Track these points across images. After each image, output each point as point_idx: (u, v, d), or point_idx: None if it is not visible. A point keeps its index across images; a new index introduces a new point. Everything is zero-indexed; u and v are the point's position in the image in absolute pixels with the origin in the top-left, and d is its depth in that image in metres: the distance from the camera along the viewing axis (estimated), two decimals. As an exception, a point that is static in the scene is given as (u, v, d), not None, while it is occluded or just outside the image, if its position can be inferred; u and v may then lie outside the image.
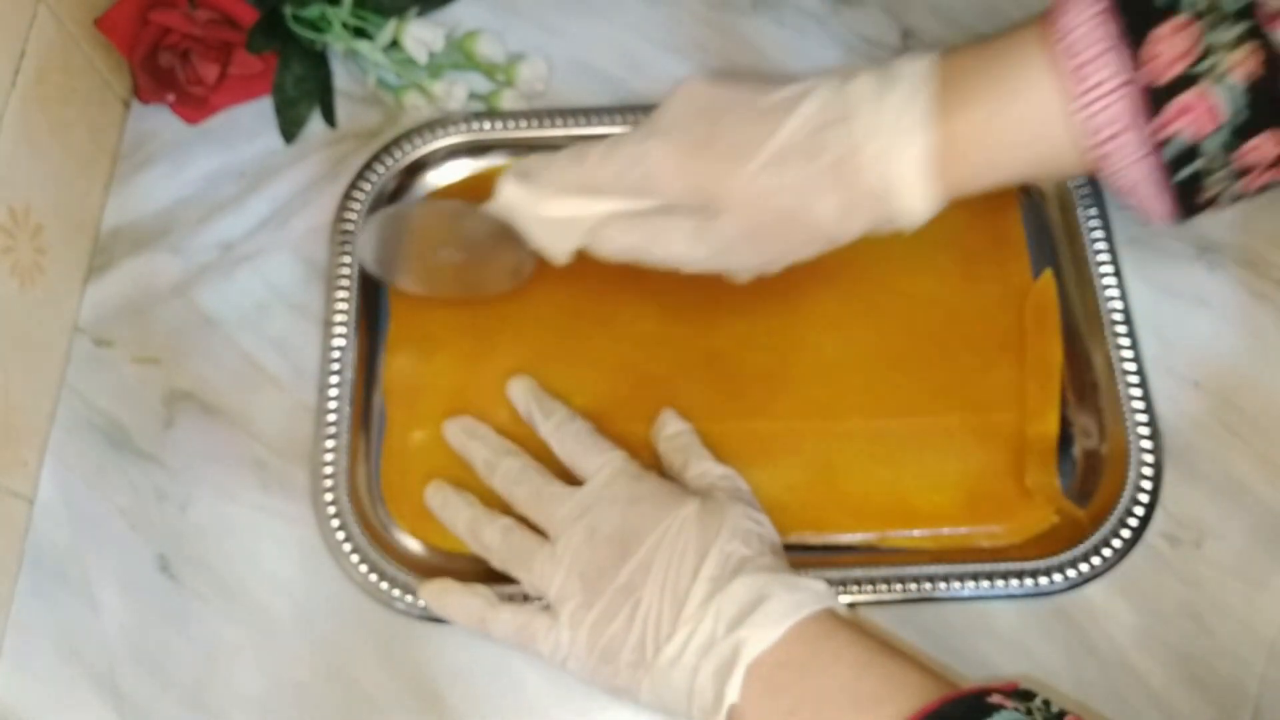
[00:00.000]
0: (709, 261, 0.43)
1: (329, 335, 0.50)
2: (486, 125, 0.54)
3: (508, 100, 0.55)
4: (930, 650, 0.44)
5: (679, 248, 0.43)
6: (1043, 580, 0.44)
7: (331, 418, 0.48)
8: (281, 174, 0.54)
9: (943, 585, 0.45)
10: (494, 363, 0.50)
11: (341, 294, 0.51)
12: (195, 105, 0.55)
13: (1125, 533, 0.45)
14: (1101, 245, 0.51)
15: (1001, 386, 0.49)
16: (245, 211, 0.54)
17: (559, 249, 0.46)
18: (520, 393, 0.48)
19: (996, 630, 0.44)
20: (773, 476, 0.47)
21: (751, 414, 0.49)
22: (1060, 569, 0.45)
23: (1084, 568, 0.45)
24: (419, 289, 0.50)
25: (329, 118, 0.55)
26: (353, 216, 0.52)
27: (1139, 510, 0.46)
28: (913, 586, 0.45)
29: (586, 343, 0.50)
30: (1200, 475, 0.46)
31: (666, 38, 0.57)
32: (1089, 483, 0.47)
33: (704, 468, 0.45)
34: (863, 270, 0.51)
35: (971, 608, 0.45)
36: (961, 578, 0.44)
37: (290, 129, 0.55)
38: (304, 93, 0.55)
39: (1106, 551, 0.45)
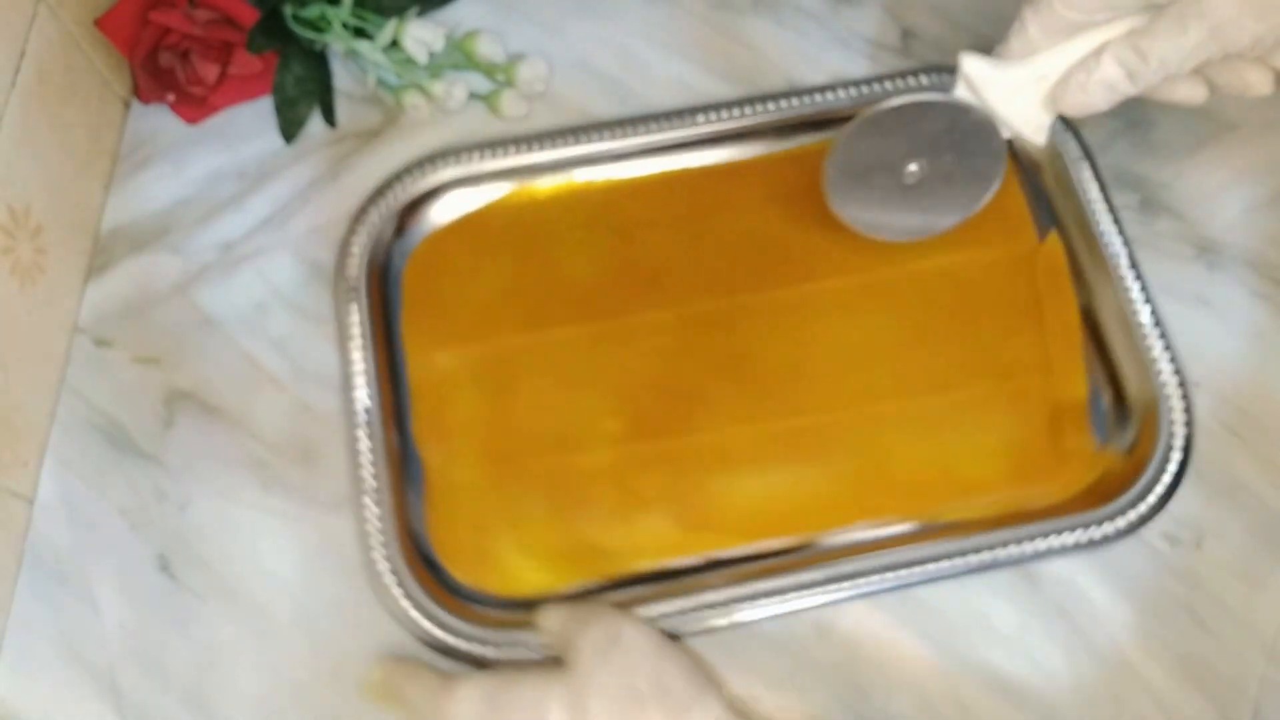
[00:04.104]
0: (1202, 49, 0.39)
1: (350, 393, 0.48)
2: (489, 154, 0.54)
3: (508, 100, 0.55)
4: (930, 650, 0.44)
5: (1164, 47, 0.39)
6: (1094, 531, 0.45)
7: (370, 480, 0.47)
8: (281, 174, 0.54)
9: (1001, 551, 0.45)
10: (519, 396, 0.49)
11: (357, 354, 0.49)
12: (195, 105, 0.55)
13: (1167, 477, 0.46)
14: (1100, 203, 0.51)
15: (1025, 350, 0.50)
16: (245, 211, 0.54)
17: (1031, 124, 0.43)
18: None
19: (996, 630, 0.44)
20: (820, 471, 0.48)
21: (786, 412, 0.49)
22: (1111, 518, 0.45)
23: (1132, 515, 0.45)
24: (883, 231, 0.49)
25: (329, 118, 0.55)
26: (354, 266, 0.51)
27: (1176, 455, 0.46)
28: (973, 558, 0.45)
29: (608, 363, 0.50)
30: (1200, 475, 0.46)
31: (666, 38, 0.57)
32: (1126, 429, 0.48)
33: None
34: (870, 254, 0.51)
35: (971, 608, 0.45)
36: (1020, 540, 0.45)
37: (290, 129, 0.55)
38: (304, 93, 0.55)
39: (1152, 498, 0.46)
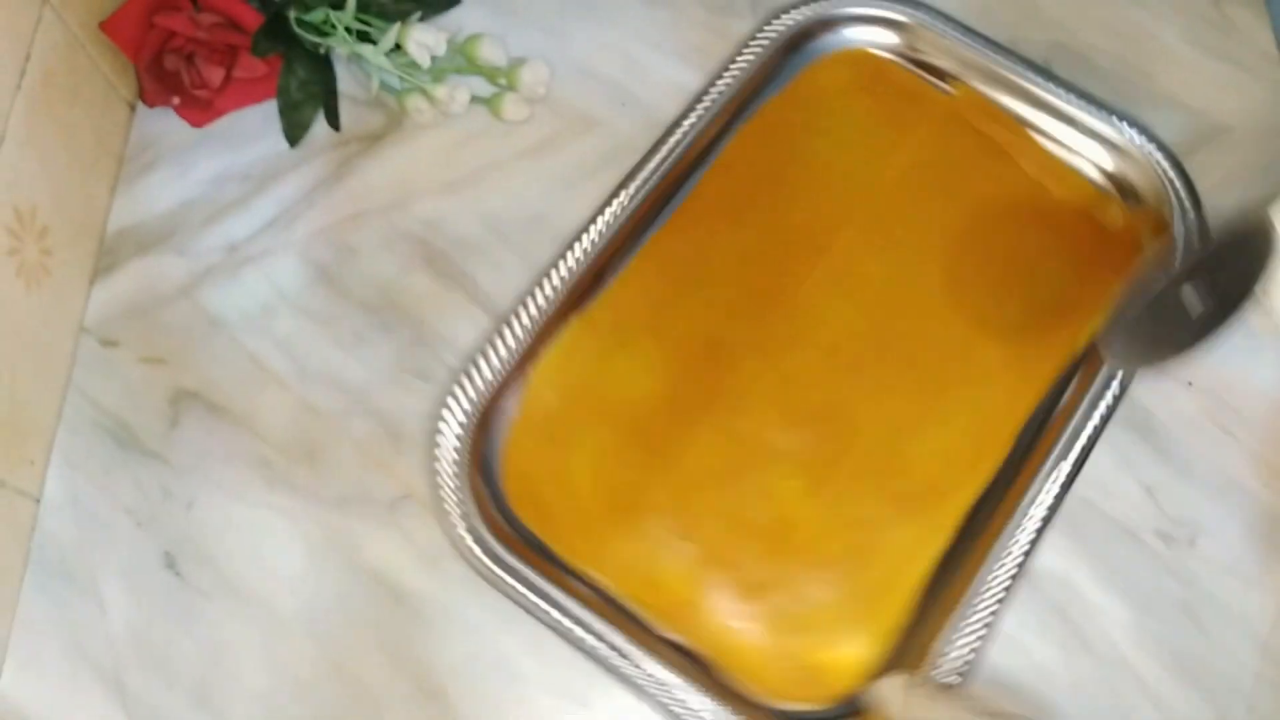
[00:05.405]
0: None
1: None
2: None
3: (510, 104, 0.55)
4: (928, 647, 0.44)
5: None
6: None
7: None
8: (286, 176, 0.55)
9: None
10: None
11: None
12: (200, 108, 0.55)
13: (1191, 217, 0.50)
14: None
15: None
16: (250, 213, 0.54)
17: None
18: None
19: (996, 630, 0.45)
20: (934, 436, 0.50)
21: (896, 470, 0.49)
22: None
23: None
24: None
25: (333, 121, 0.56)
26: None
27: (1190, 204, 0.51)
28: None
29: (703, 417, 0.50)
30: (1194, 474, 0.47)
31: (667, 41, 0.58)
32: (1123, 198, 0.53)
33: None
34: (881, 217, 0.54)
35: (969, 605, 0.45)
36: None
37: (294, 132, 0.55)
38: (308, 96, 0.55)
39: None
